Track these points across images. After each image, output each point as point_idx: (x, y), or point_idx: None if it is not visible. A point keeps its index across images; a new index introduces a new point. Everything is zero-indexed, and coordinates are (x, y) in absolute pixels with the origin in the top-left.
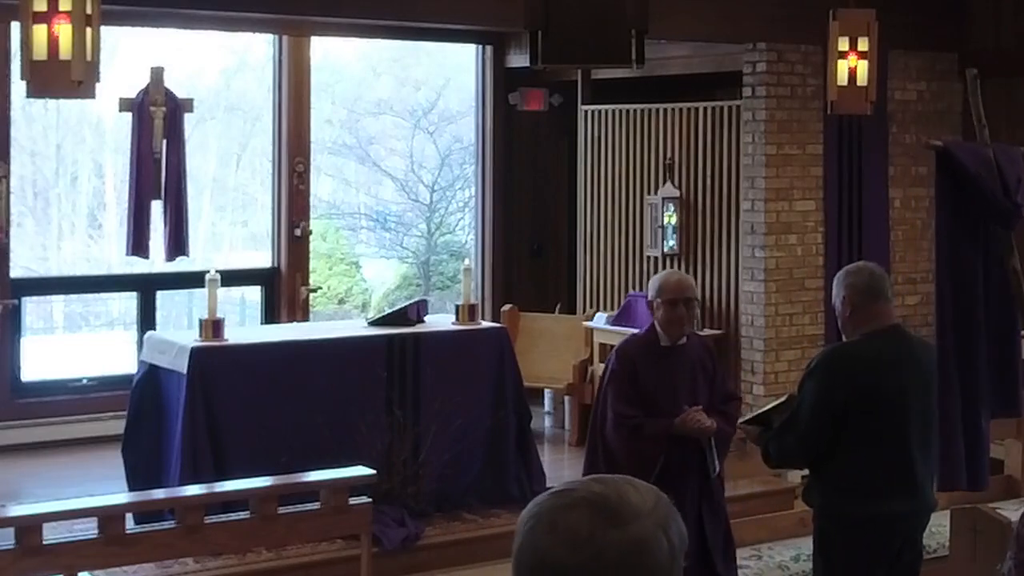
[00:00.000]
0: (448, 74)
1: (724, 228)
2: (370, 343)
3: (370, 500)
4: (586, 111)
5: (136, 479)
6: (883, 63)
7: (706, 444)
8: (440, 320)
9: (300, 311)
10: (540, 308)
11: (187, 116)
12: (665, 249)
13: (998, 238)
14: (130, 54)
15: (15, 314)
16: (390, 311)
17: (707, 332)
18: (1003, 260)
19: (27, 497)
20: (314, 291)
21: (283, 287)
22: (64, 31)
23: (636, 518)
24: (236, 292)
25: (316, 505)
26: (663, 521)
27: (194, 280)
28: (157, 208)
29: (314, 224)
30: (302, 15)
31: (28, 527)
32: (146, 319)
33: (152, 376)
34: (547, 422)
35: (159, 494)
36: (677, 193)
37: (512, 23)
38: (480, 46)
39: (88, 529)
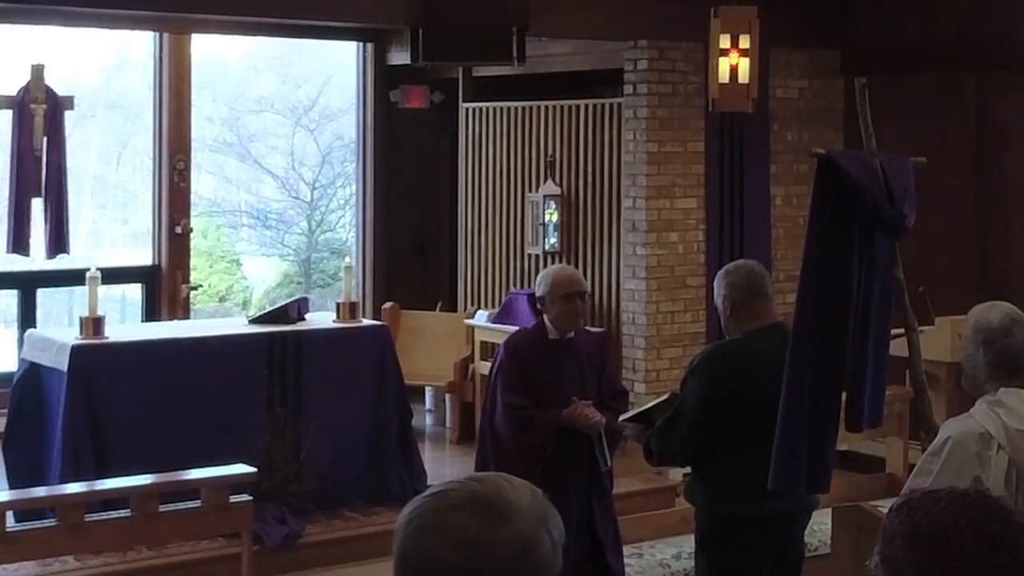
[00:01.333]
0: (329, 71)
1: (605, 225)
2: (251, 341)
3: (251, 498)
4: (467, 108)
5: (17, 477)
6: (765, 60)
7: (595, 438)
8: (321, 318)
9: (181, 309)
10: (421, 306)
11: (68, 114)
12: (546, 247)
13: (882, 248)
14: (10, 51)
15: None
16: (271, 309)
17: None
18: (886, 271)
19: None
20: (195, 289)
21: (164, 285)
22: None
23: (518, 515)
24: (117, 290)
25: (197, 503)
26: (543, 516)
27: (75, 278)
28: (38, 205)
29: (195, 222)
30: (183, 12)
31: None
32: (27, 317)
33: (33, 374)
34: (428, 420)
35: (40, 492)
36: (558, 191)
37: (393, 20)
38: (361, 43)
39: None
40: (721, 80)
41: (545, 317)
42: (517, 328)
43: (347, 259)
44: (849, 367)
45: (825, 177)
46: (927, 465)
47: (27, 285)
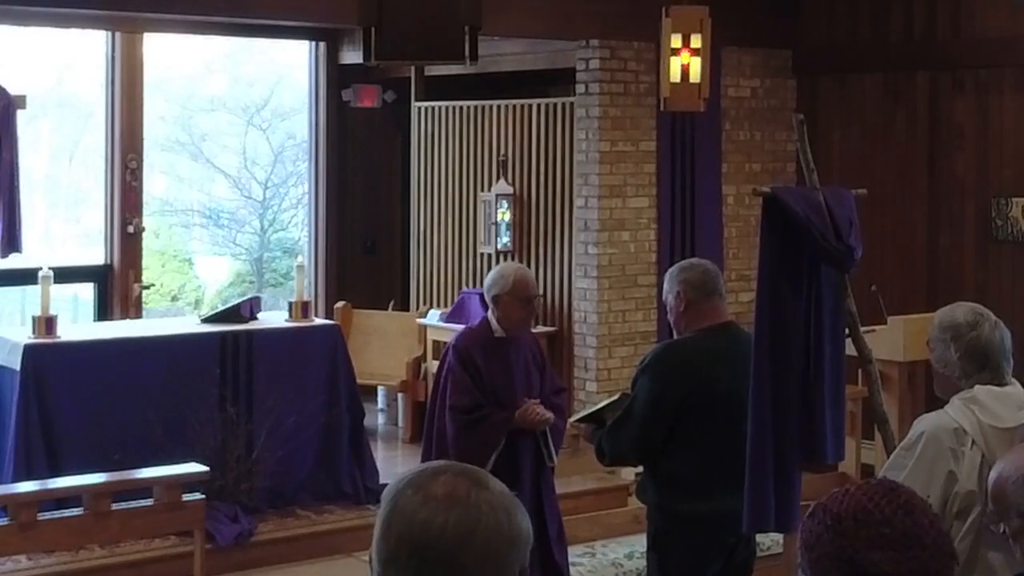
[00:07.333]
0: (281, 71)
1: (557, 225)
2: (203, 340)
3: (203, 496)
4: (420, 108)
5: None
6: (716, 60)
7: (541, 435)
8: (273, 317)
9: (133, 308)
10: (373, 305)
11: (19, 113)
12: (499, 246)
13: (832, 282)
14: None
15: None
16: (223, 308)
17: (540, 329)
18: (836, 305)
19: None
20: (147, 288)
21: (116, 284)
22: None
23: (501, 489)
24: (69, 289)
25: (149, 502)
26: (518, 503)
27: (27, 277)
28: None
29: (147, 221)
30: (134, 12)
31: None
32: None
33: None
34: (380, 419)
35: None
36: (511, 190)
37: (345, 19)
38: (313, 42)
39: None
40: (672, 79)
41: (491, 314)
42: (462, 329)
43: (299, 258)
44: (809, 404)
45: (771, 215)
46: (900, 460)
47: None
